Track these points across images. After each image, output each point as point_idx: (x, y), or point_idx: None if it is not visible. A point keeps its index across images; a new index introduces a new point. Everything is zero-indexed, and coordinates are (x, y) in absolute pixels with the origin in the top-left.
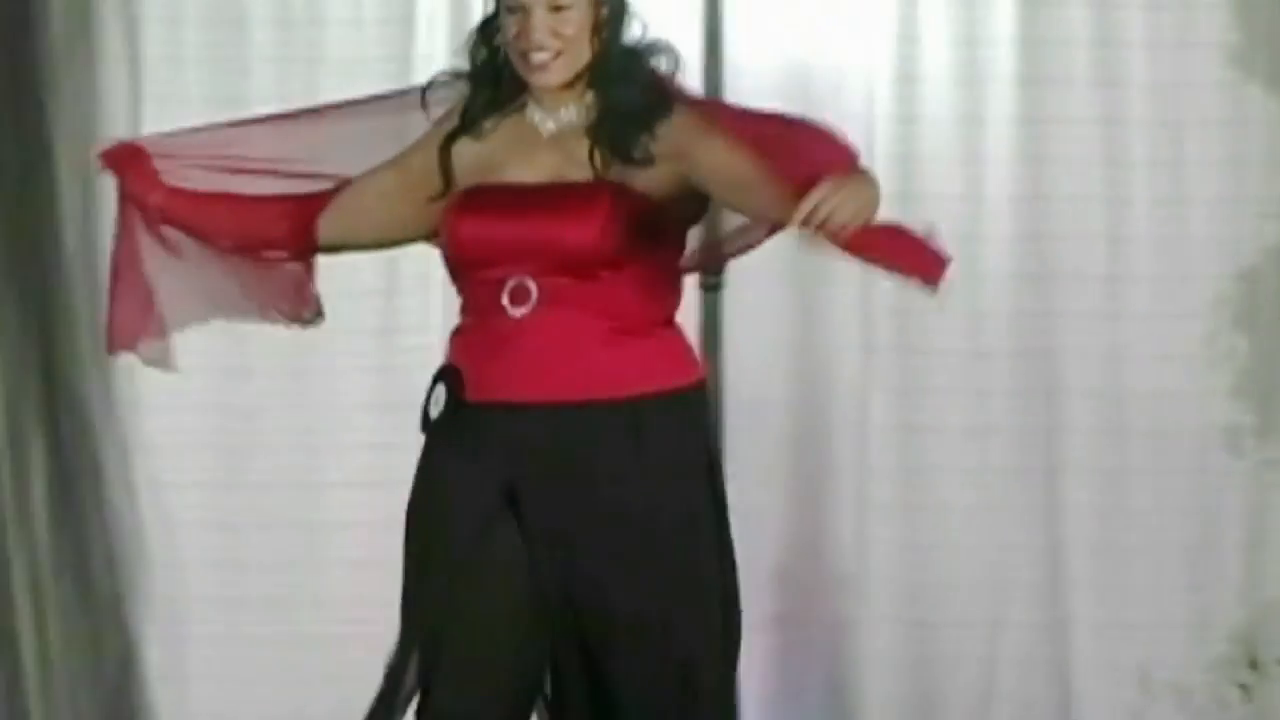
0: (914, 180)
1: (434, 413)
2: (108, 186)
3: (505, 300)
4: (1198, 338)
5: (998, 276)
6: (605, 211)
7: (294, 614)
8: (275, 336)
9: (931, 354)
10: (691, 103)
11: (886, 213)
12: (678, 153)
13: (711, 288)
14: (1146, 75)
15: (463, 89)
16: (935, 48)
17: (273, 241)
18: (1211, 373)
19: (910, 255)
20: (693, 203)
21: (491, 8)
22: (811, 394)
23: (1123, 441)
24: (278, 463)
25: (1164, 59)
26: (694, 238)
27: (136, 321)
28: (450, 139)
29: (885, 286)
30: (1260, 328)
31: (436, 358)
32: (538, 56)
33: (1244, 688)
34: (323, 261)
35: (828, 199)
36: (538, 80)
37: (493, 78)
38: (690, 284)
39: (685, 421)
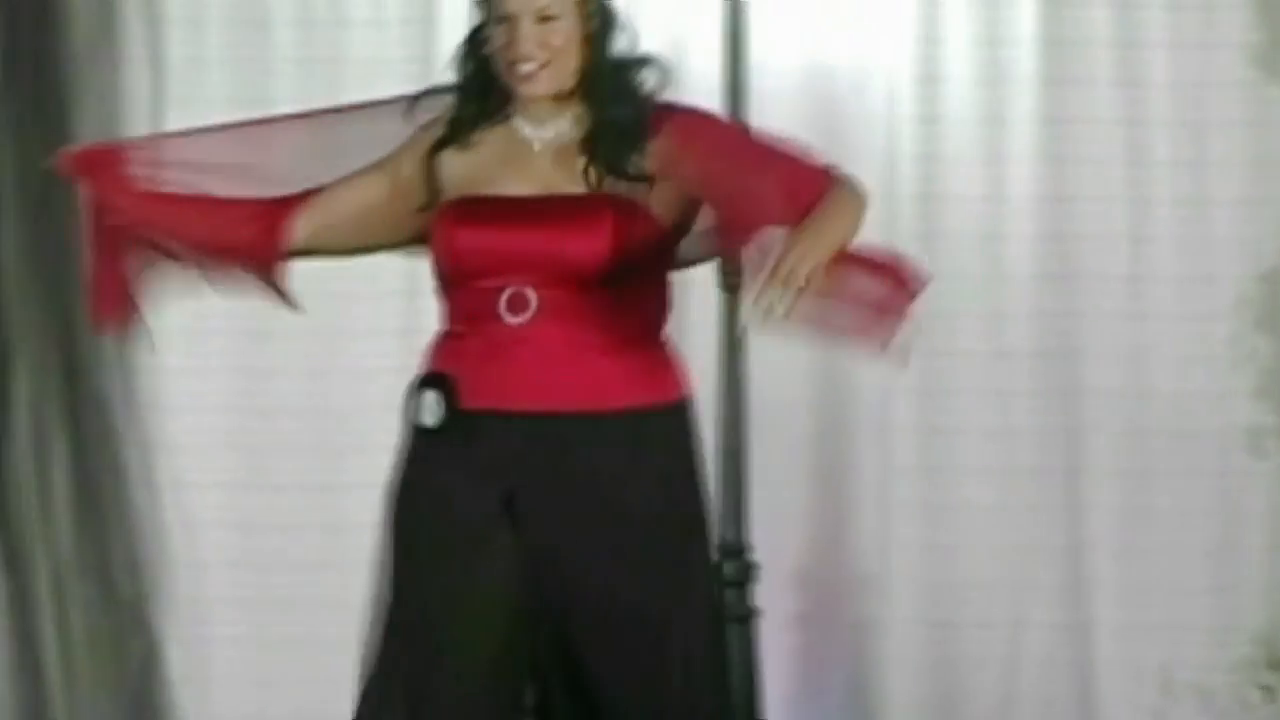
0: (936, 181)
1: (426, 419)
2: None
3: (502, 309)
4: (1220, 339)
5: (1020, 277)
6: (610, 225)
7: (316, 615)
8: (298, 338)
9: (954, 355)
10: (678, 118)
11: (908, 212)
12: (665, 169)
13: (733, 288)
14: (1168, 75)
15: (449, 100)
16: (957, 48)
17: (240, 244)
18: (1234, 374)
19: (866, 321)
20: (683, 217)
21: (480, 18)
22: (834, 394)
23: (1145, 442)
24: (300, 464)
25: (1186, 59)
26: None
27: (118, 303)
28: (436, 148)
29: (928, 277)
30: None
31: None
32: (525, 67)
33: (1266, 689)
34: (343, 265)
35: (779, 270)
36: (525, 90)
37: (480, 89)
38: (711, 285)
39: (681, 434)
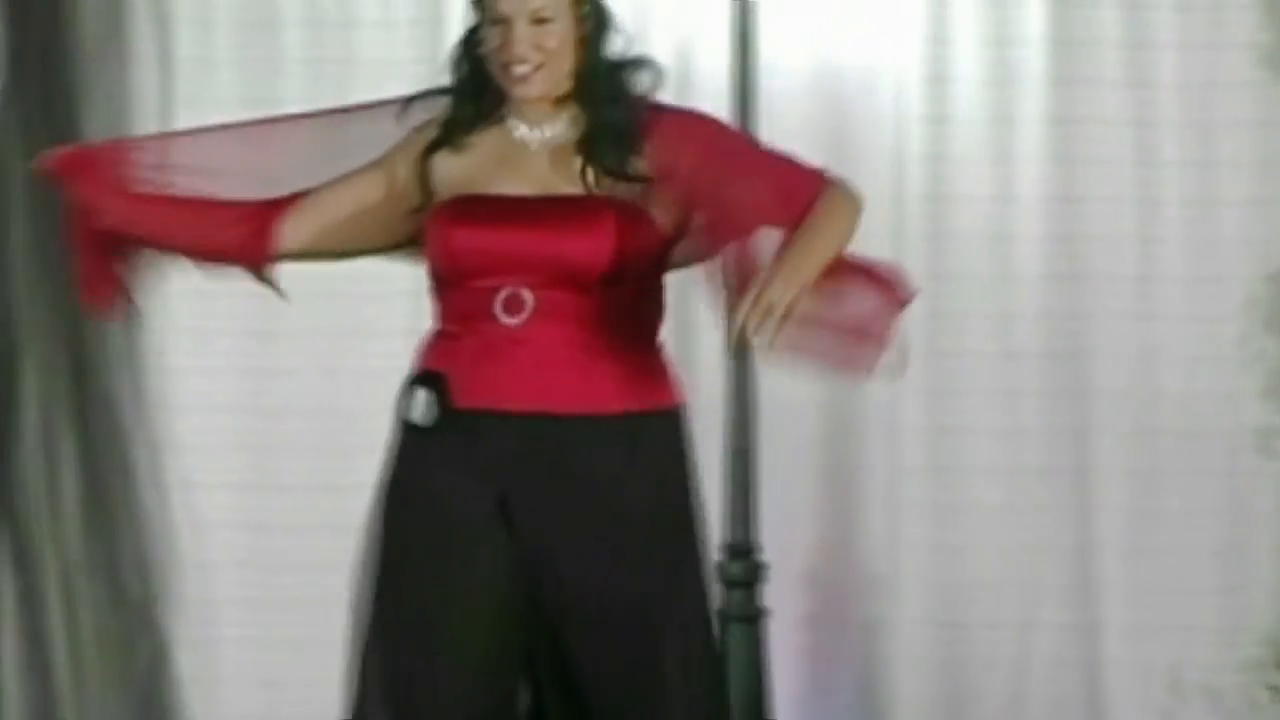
0: (944, 181)
1: (417, 417)
2: None
3: (499, 309)
4: (1229, 339)
5: (1028, 277)
6: (612, 227)
7: (324, 616)
8: (306, 338)
9: (963, 355)
10: (667, 119)
11: (916, 212)
12: (657, 171)
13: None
14: (1177, 76)
15: (443, 102)
16: (966, 48)
17: (228, 246)
18: (1242, 374)
19: (849, 348)
20: (678, 220)
21: (474, 19)
22: (842, 395)
23: (1153, 443)
24: (309, 464)
25: (1195, 60)
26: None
27: (107, 289)
28: (430, 150)
29: (916, 288)
30: None
31: None
32: (520, 69)
33: (1275, 689)
34: (352, 266)
35: (760, 301)
36: (519, 92)
37: (475, 90)
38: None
39: (675, 440)
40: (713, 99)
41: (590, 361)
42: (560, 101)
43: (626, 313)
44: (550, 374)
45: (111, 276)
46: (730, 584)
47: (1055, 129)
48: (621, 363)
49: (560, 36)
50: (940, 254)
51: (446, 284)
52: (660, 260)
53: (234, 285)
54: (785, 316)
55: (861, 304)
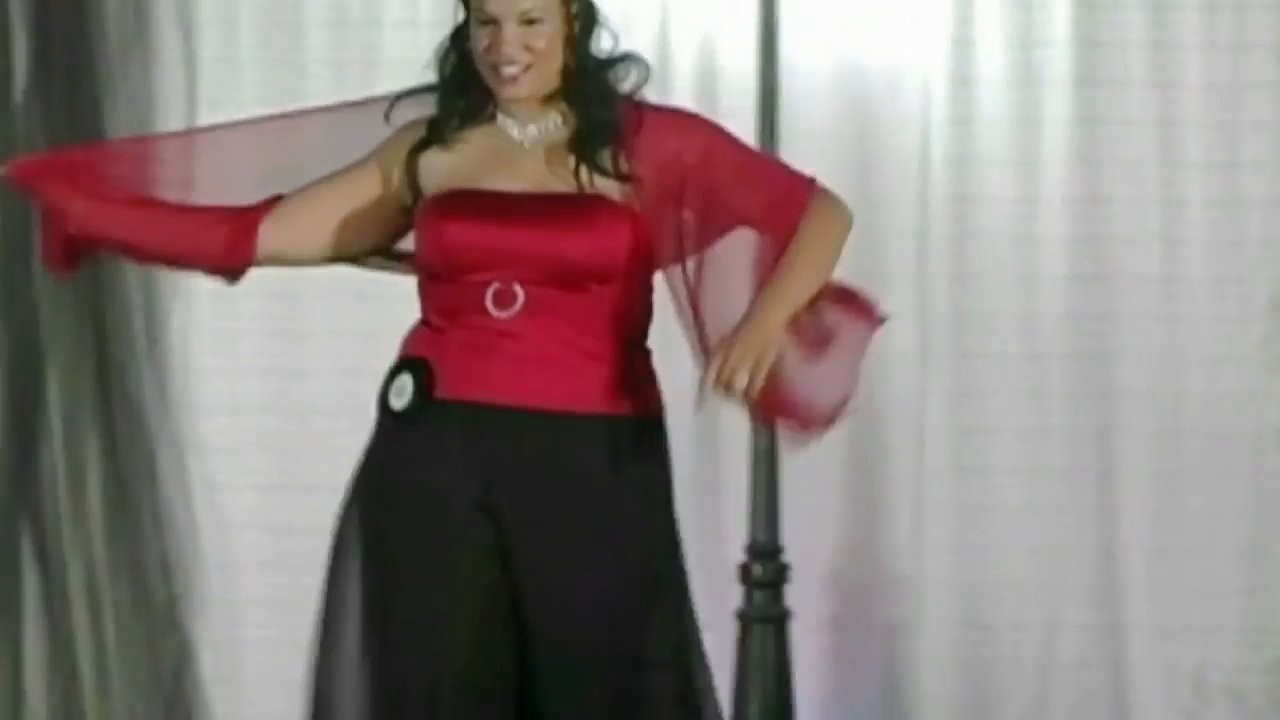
0: (969, 183)
1: (395, 402)
2: None
3: (489, 302)
4: (1253, 340)
5: (1053, 278)
6: (609, 225)
7: None
8: (331, 338)
9: (987, 356)
10: (650, 117)
11: (941, 213)
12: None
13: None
14: (1202, 77)
15: (429, 101)
16: (990, 49)
17: (205, 251)
18: (1267, 375)
19: (808, 407)
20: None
21: (462, 17)
22: (867, 395)
23: (1178, 443)
24: (333, 465)
25: (1219, 61)
26: None
27: (69, 260)
28: (419, 148)
29: (941, 290)
30: None
31: None
32: (508, 70)
33: None
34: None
35: (728, 362)
36: (507, 93)
37: (461, 87)
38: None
39: (658, 448)
40: (737, 99)
41: (577, 359)
42: (548, 100)
43: (616, 312)
44: (536, 369)
45: (73, 255)
46: (754, 585)
47: (1080, 130)
48: (609, 363)
49: (549, 37)
50: (965, 255)
51: (437, 278)
52: (650, 259)
53: (258, 286)
54: (747, 391)
55: (824, 370)
